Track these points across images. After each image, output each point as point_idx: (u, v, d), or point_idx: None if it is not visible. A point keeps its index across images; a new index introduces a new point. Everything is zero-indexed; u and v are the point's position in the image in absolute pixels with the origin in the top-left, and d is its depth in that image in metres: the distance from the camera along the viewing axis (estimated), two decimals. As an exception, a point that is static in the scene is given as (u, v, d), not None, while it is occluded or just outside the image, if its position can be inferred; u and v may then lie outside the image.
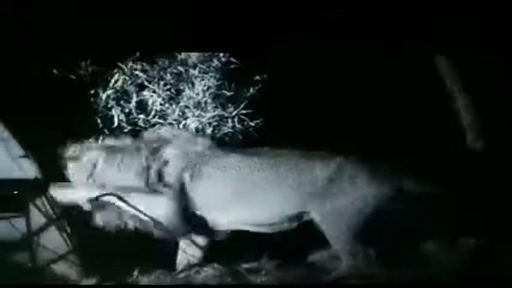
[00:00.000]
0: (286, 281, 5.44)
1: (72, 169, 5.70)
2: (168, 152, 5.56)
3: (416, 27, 5.79)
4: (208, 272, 5.65)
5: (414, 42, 5.85)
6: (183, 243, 5.80)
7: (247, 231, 5.58)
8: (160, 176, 5.54)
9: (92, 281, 5.72)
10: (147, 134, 5.73)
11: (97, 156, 5.63)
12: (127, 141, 5.71)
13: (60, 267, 5.93)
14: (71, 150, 5.70)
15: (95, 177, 5.64)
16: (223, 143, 5.78)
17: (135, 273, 5.73)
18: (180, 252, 5.82)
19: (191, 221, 5.59)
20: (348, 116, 6.35)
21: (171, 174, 5.53)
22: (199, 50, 6.11)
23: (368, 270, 5.23)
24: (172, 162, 5.55)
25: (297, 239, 5.62)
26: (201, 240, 5.75)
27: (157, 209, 5.54)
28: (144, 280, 5.65)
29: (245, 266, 5.71)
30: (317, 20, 5.79)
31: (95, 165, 5.63)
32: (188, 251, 5.79)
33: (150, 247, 5.84)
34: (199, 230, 5.67)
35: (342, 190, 5.35)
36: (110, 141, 5.73)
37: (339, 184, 5.36)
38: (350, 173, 5.37)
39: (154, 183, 5.54)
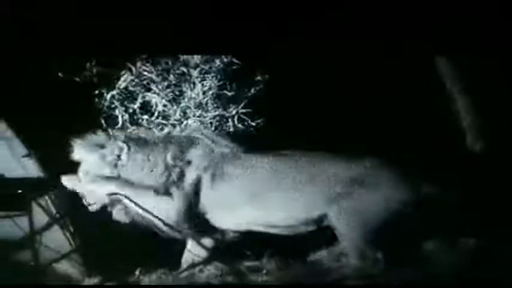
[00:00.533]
0: (287, 280, 5.44)
1: (93, 157, 5.63)
2: (193, 152, 5.57)
3: (417, 28, 5.77)
4: (210, 271, 5.65)
5: (414, 42, 5.83)
6: (190, 243, 5.80)
7: (258, 232, 5.58)
8: (180, 176, 5.54)
9: (94, 280, 5.75)
10: (176, 132, 5.77)
11: (122, 147, 5.59)
12: (155, 136, 5.72)
13: (62, 266, 5.97)
14: (96, 137, 5.66)
15: (118, 169, 5.61)
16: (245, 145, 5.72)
17: (137, 272, 5.76)
18: (186, 251, 5.81)
19: (203, 222, 5.60)
20: (348, 116, 6.34)
21: (191, 175, 5.53)
22: (201, 53, 6.10)
23: (373, 271, 5.24)
24: (195, 162, 5.56)
25: (299, 238, 5.61)
26: (207, 240, 5.75)
27: (167, 209, 5.55)
28: (146, 279, 5.67)
29: (247, 265, 5.73)
30: (317, 20, 5.78)
31: (119, 157, 5.61)
32: (193, 251, 5.79)
33: (152, 247, 5.86)
34: (211, 231, 5.68)
35: (362, 192, 5.34)
36: (136, 133, 5.75)
37: (360, 186, 5.35)
38: (373, 176, 5.37)
39: (171, 183, 5.54)
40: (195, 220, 5.57)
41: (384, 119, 6.28)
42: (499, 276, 5.02)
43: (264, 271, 5.62)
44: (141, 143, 5.63)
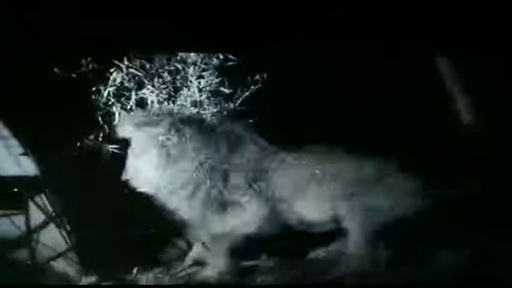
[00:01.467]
0: (286, 279, 5.43)
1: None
2: (237, 152, 5.50)
3: (417, 27, 5.77)
4: (208, 271, 5.64)
5: (414, 42, 5.84)
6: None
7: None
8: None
9: (91, 279, 5.73)
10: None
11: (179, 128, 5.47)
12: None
13: (59, 265, 5.95)
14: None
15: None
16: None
17: (134, 271, 5.75)
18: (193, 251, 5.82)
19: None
20: (346, 115, 6.33)
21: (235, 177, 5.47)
22: (199, 51, 6.09)
23: (377, 269, 5.25)
24: (237, 163, 5.49)
25: (297, 237, 5.61)
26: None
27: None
28: (143, 278, 5.66)
29: (245, 264, 5.71)
30: (317, 19, 5.78)
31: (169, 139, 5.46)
32: (195, 250, 5.78)
33: (149, 245, 5.86)
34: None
35: (376, 192, 5.36)
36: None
37: (374, 186, 5.38)
38: (393, 177, 5.40)
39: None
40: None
41: (383, 118, 6.27)
42: (499, 276, 5.02)
43: (263, 271, 5.62)
44: (194, 128, 5.48)
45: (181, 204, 5.42)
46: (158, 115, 5.51)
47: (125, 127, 5.52)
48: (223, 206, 5.42)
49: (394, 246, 5.33)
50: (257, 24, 5.83)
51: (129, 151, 5.48)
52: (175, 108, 5.88)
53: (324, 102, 6.31)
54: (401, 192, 5.36)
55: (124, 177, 5.42)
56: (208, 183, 5.40)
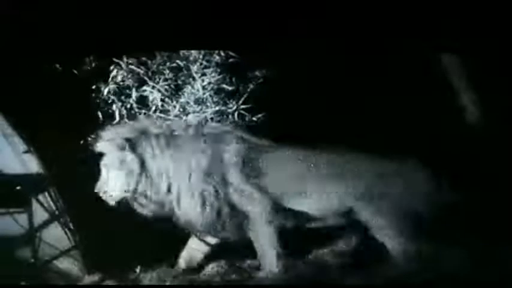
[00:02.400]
0: (290, 278, 5.41)
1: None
2: (225, 151, 5.48)
3: (421, 25, 5.73)
4: (213, 269, 5.64)
5: (419, 39, 5.81)
6: (191, 240, 5.76)
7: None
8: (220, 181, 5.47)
9: (94, 278, 5.73)
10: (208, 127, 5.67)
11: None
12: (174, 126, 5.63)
13: (62, 264, 5.95)
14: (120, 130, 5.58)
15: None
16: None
17: (138, 270, 5.74)
18: (186, 249, 5.78)
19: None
20: (348, 111, 6.31)
21: (229, 176, 5.47)
22: (201, 48, 6.06)
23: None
24: (229, 161, 5.47)
25: (301, 235, 5.57)
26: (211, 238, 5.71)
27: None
28: (147, 277, 5.65)
29: (249, 262, 5.70)
30: (319, 17, 5.75)
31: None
32: (194, 248, 5.77)
33: (152, 244, 5.84)
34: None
35: (396, 189, 5.34)
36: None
37: (394, 183, 5.35)
38: (409, 175, 5.38)
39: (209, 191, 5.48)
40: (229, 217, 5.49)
41: (383, 116, 6.25)
42: (499, 276, 4.99)
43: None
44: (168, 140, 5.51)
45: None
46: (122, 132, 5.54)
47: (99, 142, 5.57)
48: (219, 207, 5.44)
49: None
50: (258, 19, 5.80)
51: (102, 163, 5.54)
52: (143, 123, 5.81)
53: (324, 98, 6.29)
54: (403, 190, 5.35)
55: (96, 189, 5.50)
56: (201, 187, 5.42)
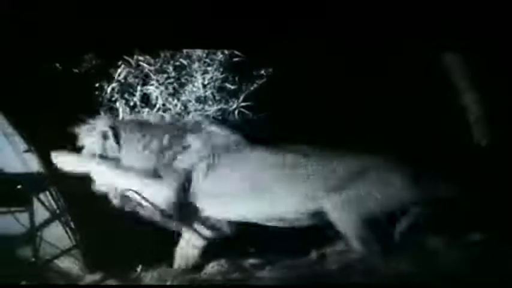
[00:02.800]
0: (291, 277, 5.38)
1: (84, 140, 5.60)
2: (192, 139, 5.50)
3: (422, 23, 5.71)
4: (214, 268, 5.61)
5: (420, 38, 5.78)
6: (185, 239, 5.73)
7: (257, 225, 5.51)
8: (173, 160, 5.47)
9: (95, 277, 5.71)
10: (172, 119, 5.74)
11: (109, 128, 5.55)
12: (150, 118, 5.70)
13: (63, 263, 5.94)
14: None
15: (107, 149, 5.55)
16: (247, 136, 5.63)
17: (138, 269, 5.72)
18: (179, 248, 5.76)
19: (194, 211, 5.52)
20: (348, 112, 6.29)
21: (186, 161, 5.46)
22: (203, 47, 6.05)
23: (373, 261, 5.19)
24: (194, 148, 5.47)
25: (302, 234, 5.55)
26: (204, 234, 5.67)
27: (159, 195, 5.44)
28: (148, 276, 5.62)
29: (250, 261, 5.68)
30: (320, 17, 5.74)
31: (105, 137, 5.54)
32: (189, 245, 5.74)
33: (153, 243, 5.82)
34: (205, 221, 5.60)
35: (363, 186, 5.28)
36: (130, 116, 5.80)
37: (361, 180, 5.29)
38: (383, 172, 5.31)
39: (162, 166, 5.47)
40: (185, 208, 5.47)
41: (387, 116, 6.22)
42: (499, 276, 4.95)
43: (268, 268, 5.55)
44: (137, 125, 5.58)
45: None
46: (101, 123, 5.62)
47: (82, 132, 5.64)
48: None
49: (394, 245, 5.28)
50: (261, 18, 5.78)
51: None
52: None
53: (326, 97, 6.27)
54: (390, 187, 5.28)
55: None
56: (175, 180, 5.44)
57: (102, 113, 5.96)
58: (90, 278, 5.74)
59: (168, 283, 5.45)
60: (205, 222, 5.60)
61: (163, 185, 5.43)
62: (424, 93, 6.23)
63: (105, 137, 5.54)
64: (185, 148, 5.49)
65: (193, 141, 5.50)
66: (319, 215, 5.35)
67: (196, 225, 5.63)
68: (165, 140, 5.50)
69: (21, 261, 5.88)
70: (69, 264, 5.93)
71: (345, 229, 5.28)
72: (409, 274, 5.02)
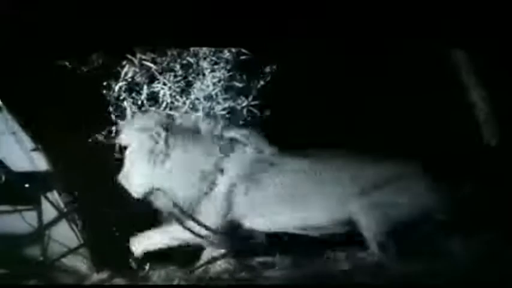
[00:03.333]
0: (300, 276, 5.36)
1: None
2: (229, 159, 5.53)
3: (430, 22, 5.69)
4: (222, 266, 5.60)
5: (429, 36, 5.76)
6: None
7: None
8: (213, 186, 5.50)
9: (103, 276, 5.69)
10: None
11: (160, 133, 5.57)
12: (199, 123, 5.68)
13: (71, 261, 5.92)
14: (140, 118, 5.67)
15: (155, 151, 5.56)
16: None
17: (147, 268, 5.70)
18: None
19: (237, 229, 5.57)
20: (350, 112, 6.28)
21: (225, 184, 5.50)
22: (210, 45, 6.05)
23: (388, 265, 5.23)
24: (230, 171, 5.51)
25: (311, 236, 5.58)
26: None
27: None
28: (155, 275, 5.61)
29: (258, 260, 5.66)
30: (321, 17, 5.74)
31: (156, 138, 5.56)
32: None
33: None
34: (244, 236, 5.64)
35: (390, 192, 5.33)
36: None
37: (392, 187, 5.35)
38: (408, 180, 5.38)
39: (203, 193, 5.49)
40: (228, 229, 5.54)
41: (393, 115, 6.21)
42: (499, 276, 4.94)
43: (277, 267, 5.56)
44: (185, 131, 5.60)
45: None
46: (156, 122, 5.63)
47: (125, 130, 5.68)
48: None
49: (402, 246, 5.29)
50: (268, 16, 5.77)
51: (126, 154, 5.63)
52: (168, 114, 5.88)
53: (334, 96, 6.24)
54: (412, 192, 5.34)
55: (119, 179, 5.60)
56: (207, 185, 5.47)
57: (153, 111, 5.97)
58: (98, 276, 5.73)
59: (176, 282, 5.44)
60: (243, 235, 5.63)
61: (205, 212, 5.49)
62: (425, 93, 6.21)
63: (156, 137, 5.55)
64: (222, 171, 5.51)
65: (231, 165, 5.52)
66: (351, 223, 5.40)
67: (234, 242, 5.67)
68: (209, 165, 5.50)
69: (29, 260, 5.86)
70: (76, 263, 5.91)
71: (368, 232, 5.33)
72: (418, 275, 5.01)
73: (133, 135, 5.62)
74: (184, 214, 5.49)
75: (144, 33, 5.78)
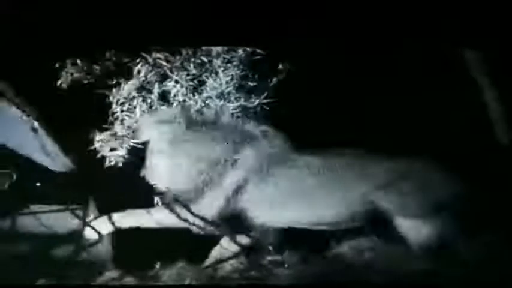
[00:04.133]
0: (309, 274, 5.32)
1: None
2: (243, 151, 5.54)
3: (442, 20, 5.64)
4: (233, 265, 5.57)
5: (440, 35, 5.71)
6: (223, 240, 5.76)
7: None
8: (224, 174, 5.51)
9: (114, 274, 5.70)
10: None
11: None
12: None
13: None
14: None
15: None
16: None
17: (157, 266, 5.71)
18: (217, 246, 5.77)
19: (244, 220, 5.55)
20: (352, 112, 6.26)
21: (236, 174, 5.50)
22: (223, 44, 6.08)
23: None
24: (243, 162, 5.51)
25: (320, 232, 5.55)
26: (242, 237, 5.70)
27: (205, 206, 5.51)
28: (166, 273, 5.60)
29: (269, 258, 5.62)
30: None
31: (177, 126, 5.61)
32: (225, 246, 5.74)
33: (172, 240, 5.80)
34: (250, 228, 5.63)
35: (407, 186, 5.32)
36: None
37: (408, 180, 5.34)
38: (422, 171, 5.38)
39: (212, 180, 5.50)
40: (235, 219, 5.53)
41: (407, 113, 6.18)
42: (499, 276, 4.90)
43: (286, 265, 5.51)
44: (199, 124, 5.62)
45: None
46: (175, 113, 5.68)
47: (145, 124, 5.71)
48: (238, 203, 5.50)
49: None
50: (281, 14, 5.75)
51: (148, 148, 5.64)
52: (190, 106, 5.94)
53: (346, 94, 6.23)
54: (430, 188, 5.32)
55: (142, 173, 5.62)
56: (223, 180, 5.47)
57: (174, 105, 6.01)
58: (109, 274, 5.73)
59: (187, 281, 5.42)
60: (252, 229, 5.63)
61: (213, 198, 5.50)
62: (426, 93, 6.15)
63: (176, 126, 5.59)
64: (236, 161, 5.51)
65: (244, 154, 5.53)
66: (369, 214, 5.38)
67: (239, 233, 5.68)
68: (221, 155, 5.52)
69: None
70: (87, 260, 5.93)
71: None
72: (427, 274, 4.97)
73: (153, 128, 5.65)
74: (177, 201, 5.53)
75: (155, 33, 5.79)
